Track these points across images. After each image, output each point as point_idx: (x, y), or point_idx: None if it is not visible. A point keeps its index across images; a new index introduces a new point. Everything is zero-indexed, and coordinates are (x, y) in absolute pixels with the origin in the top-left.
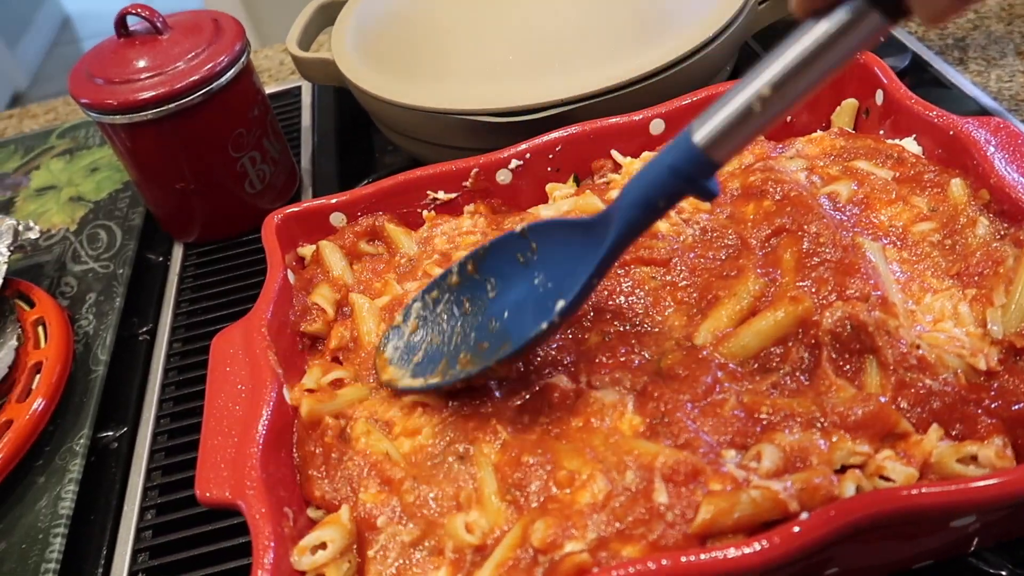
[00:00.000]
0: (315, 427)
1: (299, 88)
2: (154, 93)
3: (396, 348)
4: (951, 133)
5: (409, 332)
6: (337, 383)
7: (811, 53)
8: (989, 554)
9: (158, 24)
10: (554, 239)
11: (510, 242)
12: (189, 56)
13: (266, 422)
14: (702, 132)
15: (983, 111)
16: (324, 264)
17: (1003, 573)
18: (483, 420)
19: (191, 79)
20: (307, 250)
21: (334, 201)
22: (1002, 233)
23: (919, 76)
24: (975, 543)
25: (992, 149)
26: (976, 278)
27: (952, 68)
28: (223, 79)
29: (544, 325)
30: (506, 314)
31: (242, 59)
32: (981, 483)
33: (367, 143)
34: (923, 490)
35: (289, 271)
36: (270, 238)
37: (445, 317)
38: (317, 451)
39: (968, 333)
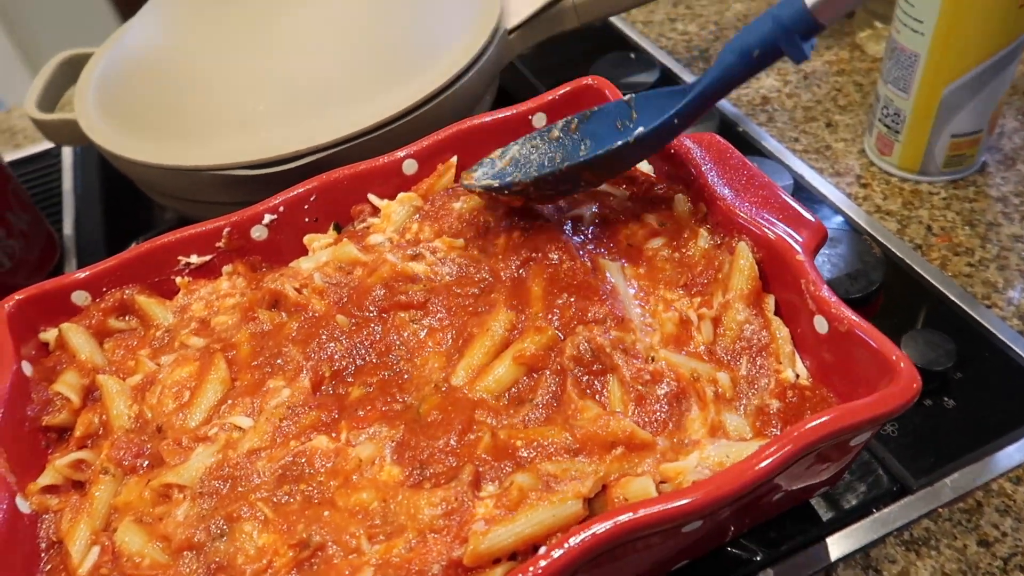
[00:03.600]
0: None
1: (59, 147)
2: None
3: (485, 174)
4: (672, 151)
5: (501, 165)
6: (80, 467)
7: None
8: (745, 541)
9: None
10: (653, 105)
11: (614, 110)
12: None
13: None
14: None
15: (726, 118)
16: (69, 348)
17: (757, 558)
18: (240, 497)
19: None
20: (50, 334)
21: (75, 278)
22: (718, 243)
23: None
24: (731, 533)
25: (706, 164)
26: (700, 286)
27: None
28: None
29: (619, 142)
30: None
31: None
32: (681, 500)
33: (139, 201)
34: (631, 515)
35: (25, 363)
36: (0, 329)
37: (536, 160)
38: None
39: (699, 342)
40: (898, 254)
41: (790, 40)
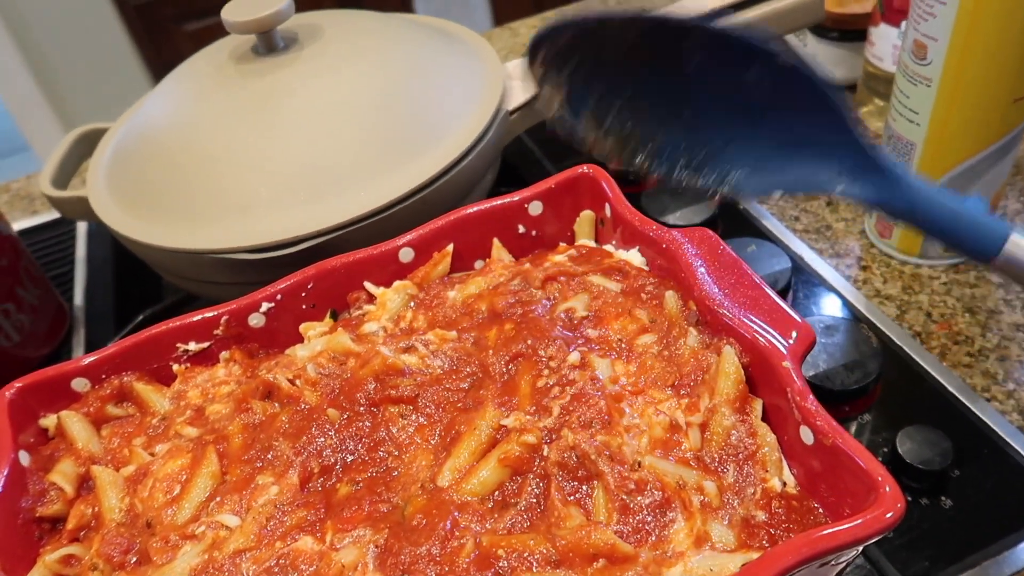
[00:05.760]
0: None
1: None
2: None
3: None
4: (664, 246)
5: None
6: (70, 561)
7: None
8: None
9: None
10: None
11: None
12: None
13: None
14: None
15: (729, 204)
16: (67, 436)
17: None
18: None
19: None
20: (50, 420)
21: (76, 366)
22: (707, 342)
23: None
24: None
25: (696, 261)
26: (688, 388)
27: None
28: None
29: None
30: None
31: None
32: None
33: (149, 272)
34: None
35: (23, 452)
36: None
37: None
38: None
39: (687, 448)
40: (897, 342)
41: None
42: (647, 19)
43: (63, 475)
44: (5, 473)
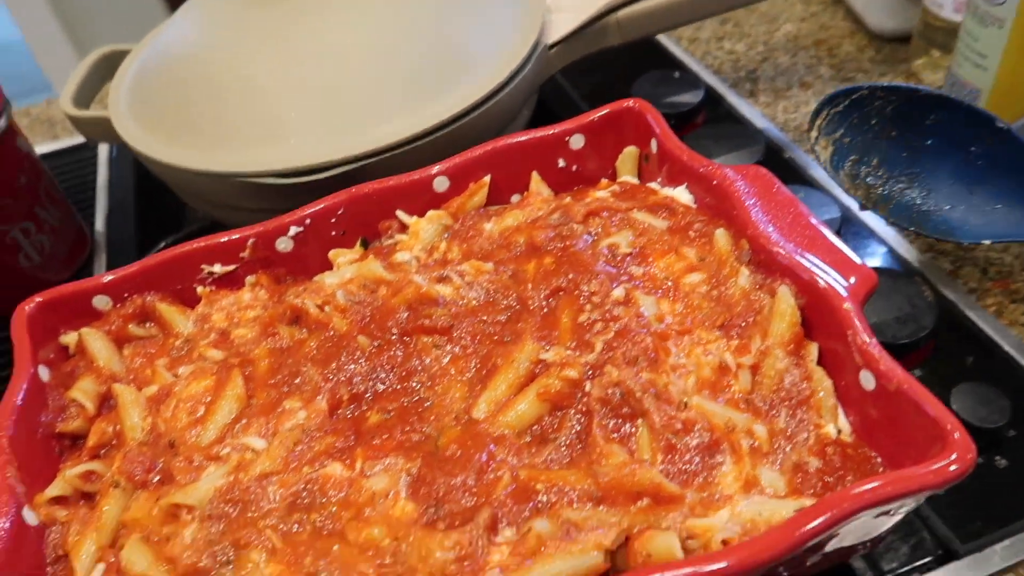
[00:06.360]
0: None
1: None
2: None
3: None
4: (715, 183)
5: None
6: (90, 478)
7: None
8: None
9: None
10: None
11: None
12: None
13: None
14: None
15: (772, 143)
16: (88, 353)
17: None
18: (250, 523)
19: None
20: (70, 338)
21: (97, 283)
22: (759, 283)
23: (714, 110)
24: None
25: (750, 199)
26: (738, 328)
27: (744, 101)
28: None
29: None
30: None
31: None
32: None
33: (171, 199)
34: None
35: (43, 367)
36: (19, 331)
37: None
38: None
39: (736, 390)
40: (951, 298)
41: None
42: (905, 89)
43: (84, 392)
44: (24, 387)
